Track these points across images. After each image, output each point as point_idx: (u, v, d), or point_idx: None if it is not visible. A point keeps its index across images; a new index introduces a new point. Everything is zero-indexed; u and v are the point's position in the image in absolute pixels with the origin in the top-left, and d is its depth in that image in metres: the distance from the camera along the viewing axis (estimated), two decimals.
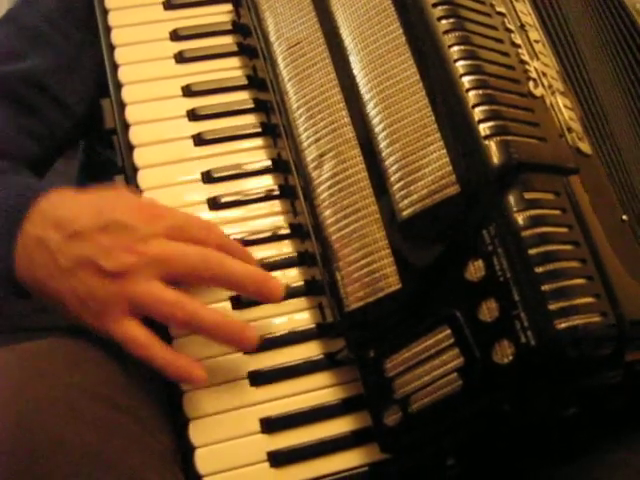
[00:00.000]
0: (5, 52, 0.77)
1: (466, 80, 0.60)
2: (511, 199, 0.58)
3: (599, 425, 0.66)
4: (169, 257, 0.59)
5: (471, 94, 0.60)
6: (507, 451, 0.66)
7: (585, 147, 0.66)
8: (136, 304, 0.59)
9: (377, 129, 0.63)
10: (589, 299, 0.57)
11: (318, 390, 0.64)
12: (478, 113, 0.59)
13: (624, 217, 0.65)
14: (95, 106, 0.72)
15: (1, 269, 0.61)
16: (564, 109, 0.66)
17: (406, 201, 0.61)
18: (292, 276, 0.67)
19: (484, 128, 0.59)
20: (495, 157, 0.58)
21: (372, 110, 0.63)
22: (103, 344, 0.62)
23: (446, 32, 0.62)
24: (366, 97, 0.64)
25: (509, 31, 0.65)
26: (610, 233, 0.62)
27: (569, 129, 0.65)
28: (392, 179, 0.62)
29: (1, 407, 0.55)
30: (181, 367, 0.60)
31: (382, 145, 0.62)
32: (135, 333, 0.59)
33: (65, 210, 0.60)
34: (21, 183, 0.67)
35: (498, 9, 0.66)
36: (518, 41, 0.65)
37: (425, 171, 0.61)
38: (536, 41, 0.68)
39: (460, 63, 0.61)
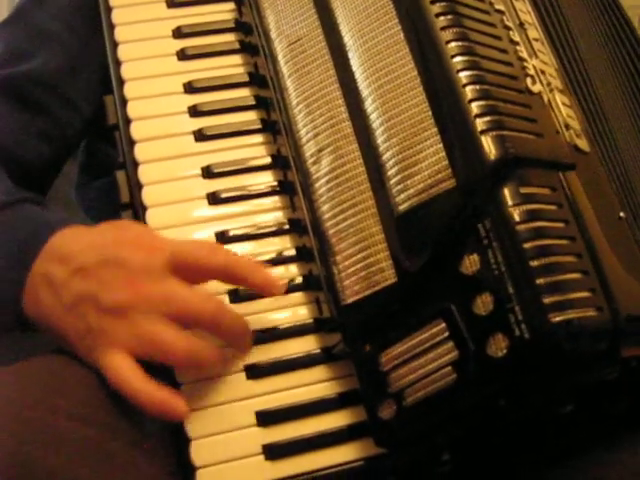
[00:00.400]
0: (15, 52, 0.77)
1: (463, 75, 0.61)
2: (506, 193, 0.58)
3: (596, 425, 0.66)
4: (168, 297, 0.59)
5: (468, 89, 0.60)
6: (503, 449, 0.66)
7: (583, 144, 0.66)
8: (133, 340, 0.58)
9: (375, 124, 0.63)
10: (584, 293, 0.57)
11: (314, 384, 0.65)
12: (474, 108, 0.60)
13: (622, 214, 0.65)
14: (100, 103, 0.73)
15: (10, 304, 0.62)
16: (562, 106, 0.66)
17: (402, 195, 0.61)
18: (290, 271, 0.67)
19: (480, 123, 0.59)
20: (491, 151, 0.59)
21: (370, 105, 0.64)
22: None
23: (444, 28, 0.62)
24: (364, 93, 0.64)
25: (507, 28, 0.65)
26: (607, 230, 0.62)
27: (567, 126, 0.65)
28: (389, 173, 0.62)
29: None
30: (163, 403, 0.58)
31: (379, 140, 0.63)
32: (118, 366, 0.58)
33: (71, 246, 0.61)
34: (38, 218, 0.66)
35: (497, 7, 0.66)
36: (517, 39, 0.66)
37: (422, 165, 0.61)
38: (535, 39, 0.68)
39: (457, 59, 0.61)
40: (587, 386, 0.61)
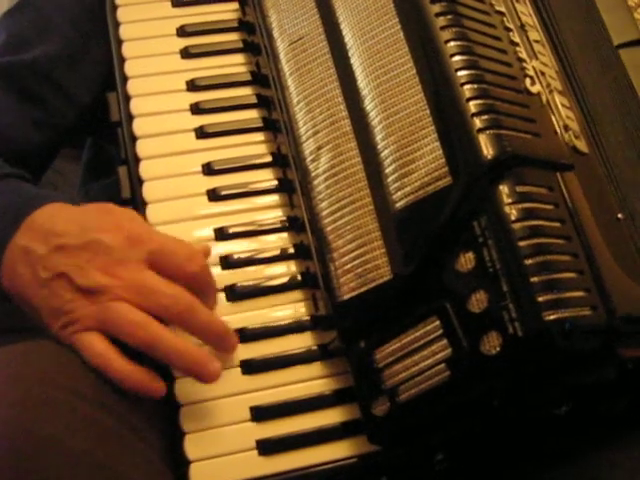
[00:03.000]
0: (16, 41, 0.78)
1: (461, 74, 0.61)
2: (502, 192, 0.58)
3: (592, 426, 0.65)
4: (141, 286, 0.59)
5: (466, 88, 0.60)
6: (499, 449, 0.66)
7: (582, 145, 0.66)
8: (101, 320, 0.59)
9: (373, 122, 0.64)
10: (579, 293, 0.57)
11: (309, 381, 0.65)
12: (472, 107, 0.60)
13: (619, 216, 0.65)
14: (103, 101, 0.74)
15: None
16: (562, 108, 0.66)
17: (400, 193, 0.62)
18: (288, 269, 0.68)
19: (477, 121, 0.59)
20: (487, 150, 0.59)
21: (369, 104, 0.64)
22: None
23: (443, 28, 0.63)
24: (364, 91, 0.65)
25: (508, 30, 0.66)
26: (605, 230, 0.62)
27: (566, 127, 0.65)
28: (387, 171, 0.62)
29: None
30: (138, 380, 0.59)
31: (378, 138, 0.63)
32: (93, 343, 0.59)
33: (54, 224, 0.61)
34: (21, 193, 0.67)
35: (497, 8, 0.66)
36: (516, 39, 0.66)
37: (419, 163, 0.61)
38: (536, 41, 0.69)
39: (456, 58, 0.62)
40: (583, 387, 0.61)
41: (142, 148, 0.70)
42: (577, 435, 0.66)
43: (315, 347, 0.65)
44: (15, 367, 0.58)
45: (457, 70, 0.61)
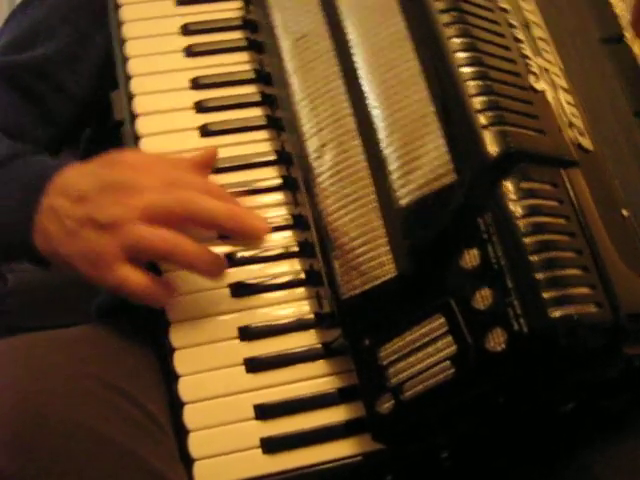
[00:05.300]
0: (18, 41, 0.80)
1: (465, 71, 0.61)
2: (507, 188, 0.58)
3: (596, 424, 0.65)
4: (154, 206, 0.62)
5: (470, 84, 0.60)
6: (504, 448, 0.66)
7: (586, 143, 0.66)
8: (125, 247, 0.62)
9: (377, 119, 0.64)
10: (584, 289, 0.57)
11: (313, 379, 0.64)
12: (476, 103, 0.60)
13: (624, 212, 0.65)
14: (101, 99, 0.75)
15: (20, 243, 0.66)
16: (566, 105, 0.66)
17: (404, 190, 0.61)
18: (293, 266, 0.67)
19: (482, 118, 0.59)
20: (491, 146, 0.59)
21: (373, 101, 0.64)
22: (121, 337, 0.65)
23: (447, 24, 0.63)
24: (367, 88, 0.65)
25: (511, 26, 0.66)
26: (610, 227, 0.62)
27: (571, 124, 0.65)
28: (391, 168, 0.62)
29: (20, 393, 0.57)
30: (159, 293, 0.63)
31: (382, 134, 0.63)
32: (126, 276, 0.62)
33: (72, 179, 0.65)
34: (40, 164, 0.71)
35: (501, 5, 0.66)
36: (521, 36, 0.66)
37: (423, 160, 0.61)
38: (540, 38, 0.69)
39: (460, 54, 0.62)
40: (589, 384, 0.61)
41: (146, 147, 0.70)
42: (579, 433, 0.65)
43: (319, 345, 0.65)
44: (46, 356, 0.60)
45: (461, 66, 0.61)
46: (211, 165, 0.68)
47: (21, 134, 0.77)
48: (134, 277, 0.62)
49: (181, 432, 0.62)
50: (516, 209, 0.58)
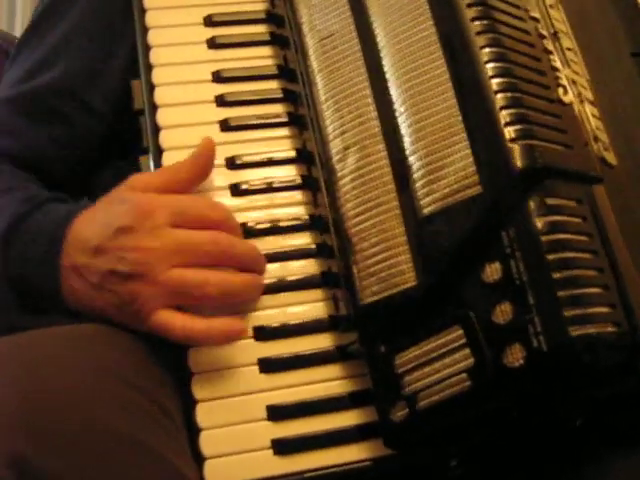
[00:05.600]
0: (35, 66, 0.79)
1: (495, 82, 0.60)
2: (532, 204, 0.58)
3: (605, 440, 0.66)
4: (178, 245, 0.62)
5: (499, 96, 0.60)
6: (513, 457, 0.66)
7: (610, 157, 0.66)
8: (167, 295, 0.61)
9: (403, 125, 0.63)
10: (604, 309, 0.57)
11: (327, 381, 0.64)
12: (505, 116, 0.59)
13: None
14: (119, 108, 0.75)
15: (53, 301, 0.65)
16: (592, 118, 0.66)
17: (428, 198, 0.61)
18: (309, 267, 0.67)
19: (510, 131, 0.59)
20: (519, 160, 0.58)
21: (400, 106, 0.64)
22: (130, 334, 0.64)
23: (478, 33, 0.62)
24: (394, 93, 0.64)
25: (542, 37, 0.65)
26: (631, 244, 0.62)
27: (595, 138, 0.65)
28: (415, 176, 0.62)
29: (39, 387, 0.56)
30: (223, 331, 0.63)
31: (407, 141, 0.63)
32: (169, 319, 0.62)
33: (85, 232, 0.64)
34: (56, 216, 0.69)
35: (532, 14, 0.66)
36: (550, 47, 0.65)
37: (449, 170, 0.61)
38: (568, 49, 0.68)
39: (490, 65, 0.61)
40: (602, 400, 0.61)
41: (166, 139, 0.69)
42: (586, 448, 0.66)
43: (334, 348, 0.65)
44: (62, 351, 0.60)
45: (491, 77, 0.60)
46: (211, 156, 0.66)
47: (48, 162, 0.77)
48: (178, 319, 0.62)
49: (193, 430, 0.62)
50: (540, 225, 0.58)
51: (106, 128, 0.80)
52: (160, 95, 0.71)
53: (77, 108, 0.79)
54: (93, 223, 0.64)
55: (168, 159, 0.69)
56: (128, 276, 0.61)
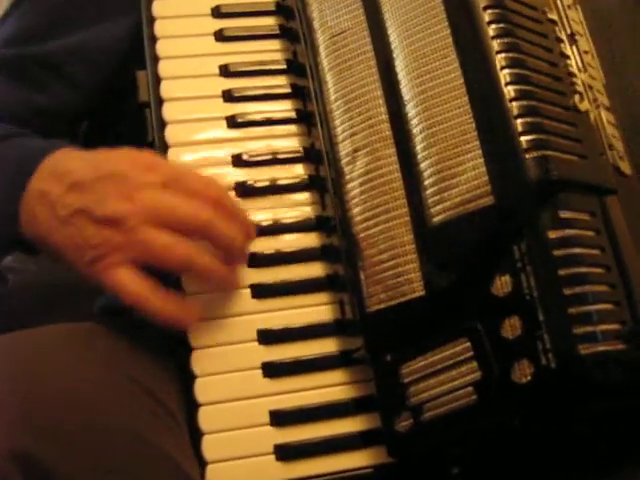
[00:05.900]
0: (25, 33, 0.77)
1: (511, 89, 0.59)
2: (545, 217, 0.57)
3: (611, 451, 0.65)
4: (160, 207, 0.60)
5: (515, 104, 0.59)
6: (514, 465, 0.66)
7: (625, 166, 0.64)
8: (131, 250, 0.59)
9: (415, 130, 0.62)
10: (614, 326, 0.57)
11: (330, 387, 0.64)
12: (520, 125, 0.58)
13: None
14: (129, 80, 0.72)
15: (7, 226, 0.63)
16: (607, 125, 0.64)
17: (438, 207, 0.60)
18: (314, 270, 0.66)
19: (525, 141, 0.58)
20: (533, 172, 0.57)
21: (412, 110, 0.62)
22: (139, 332, 0.64)
23: (494, 37, 0.60)
24: (406, 96, 0.63)
25: (559, 40, 0.63)
26: None
27: (610, 146, 0.64)
28: (426, 183, 0.61)
29: (40, 384, 0.56)
30: (173, 312, 0.60)
31: (419, 147, 0.61)
32: (125, 281, 0.59)
33: (67, 164, 0.62)
34: (32, 145, 0.68)
35: (550, 16, 0.64)
36: (567, 52, 0.64)
37: (461, 178, 0.59)
38: (585, 52, 0.66)
39: (506, 71, 0.59)
40: (608, 414, 0.61)
41: (171, 134, 0.68)
42: (591, 460, 0.66)
43: (338, 353, 0.65)
44: (69, 349, 0.59)
45: (507, 84, 0.59)
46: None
47: (24, 126, 0.74)
48: (135, 284, 0.59)
49: (195, 433, 0.62)
50: (553, 239, 0.57)
51: (85, 103, 0.78)
52: (166, 89, 0.69)
53: (62, 82, 0.77)
54: (80, 159, 0.62)
55: (173, 155, 0.67)
56: (102, 221, 0.59)
